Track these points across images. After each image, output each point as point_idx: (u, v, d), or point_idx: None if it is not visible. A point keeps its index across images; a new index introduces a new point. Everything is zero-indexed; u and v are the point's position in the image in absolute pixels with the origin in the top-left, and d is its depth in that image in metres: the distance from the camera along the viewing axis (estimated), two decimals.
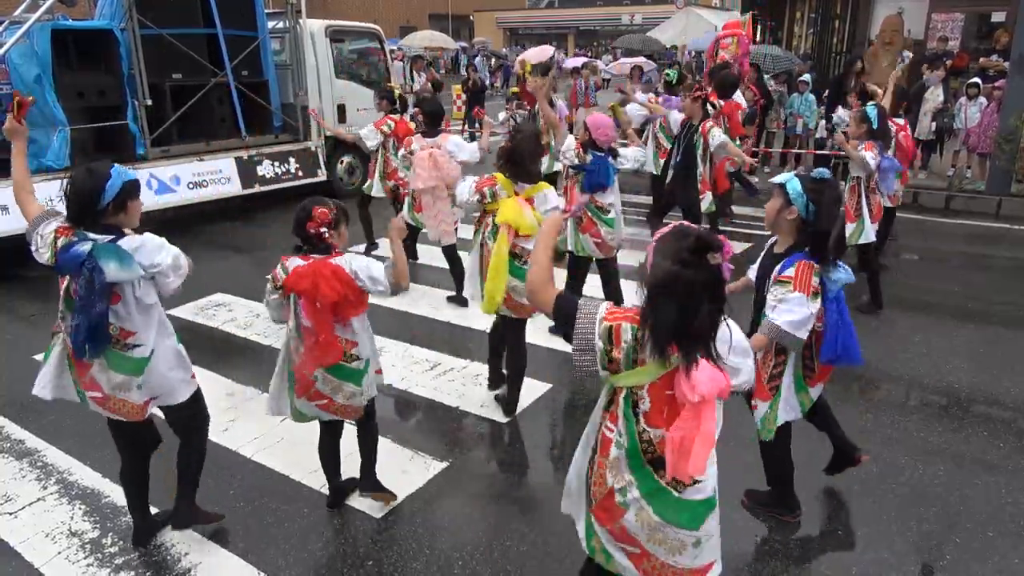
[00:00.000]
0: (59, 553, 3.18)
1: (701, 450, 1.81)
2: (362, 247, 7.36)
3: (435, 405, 4.43)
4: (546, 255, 2.10)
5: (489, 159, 5.33)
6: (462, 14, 48.34)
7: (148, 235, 2.74)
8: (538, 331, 4.91)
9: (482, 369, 4.82)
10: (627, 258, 5.85)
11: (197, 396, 3.07)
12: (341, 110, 10.03)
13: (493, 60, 31.19)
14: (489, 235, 3.95)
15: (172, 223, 8.42)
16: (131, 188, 2.73)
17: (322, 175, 9.66)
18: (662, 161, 7.05)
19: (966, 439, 4.00)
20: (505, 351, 4.34)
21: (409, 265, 7.00)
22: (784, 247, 2.94)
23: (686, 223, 1.96)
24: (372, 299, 3.05)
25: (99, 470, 3.74)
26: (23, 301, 6.44)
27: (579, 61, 16.74)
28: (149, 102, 7.91)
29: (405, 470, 3.73)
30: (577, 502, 2.18)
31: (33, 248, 2.75)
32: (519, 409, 4.34)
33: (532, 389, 4.51)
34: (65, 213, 2.71)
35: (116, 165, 2.72)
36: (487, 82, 22.70)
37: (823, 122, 10.20)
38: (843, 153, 6.06)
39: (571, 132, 13.60)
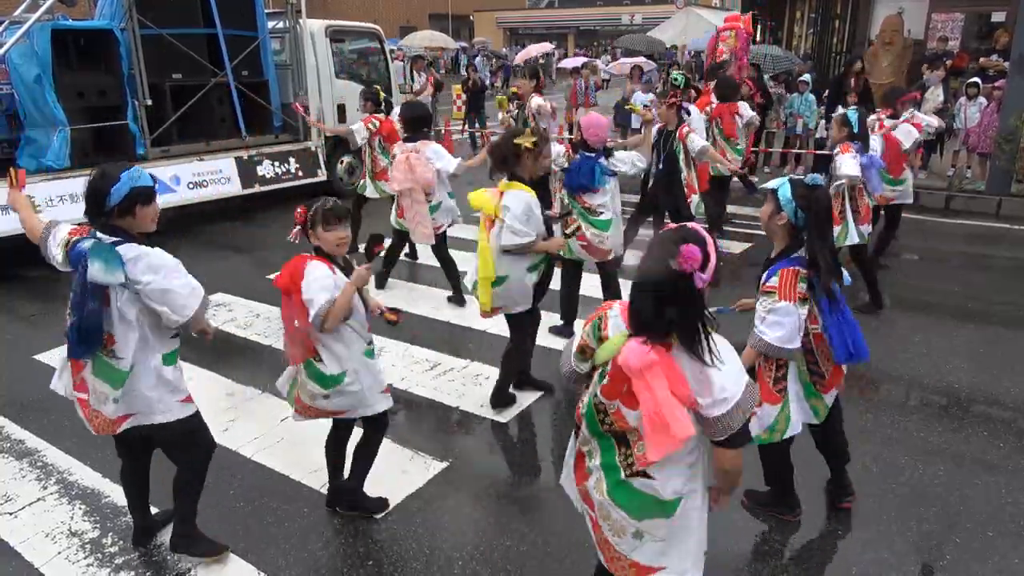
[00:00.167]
0: (59, 553, 3.18)
1: (670, 412, 1.87)
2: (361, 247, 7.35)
3: (435, 405, 4.43)
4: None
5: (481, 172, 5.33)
6: (462, 14, 48.34)
7: (157, 252, 2.66)
8: (539, 331, 4.90)
9: (482, 369, 4.83)
10: (629, 258, 5.86)
11: (189, 425, 2.91)
12: (341, 110, 10.03)
13: (495, 61, 31.20)
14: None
15: (172, 223, 8.41)
16: (139, 194, 2.64)
17: (322, 175, 9.66)
18: None
19: (966, 439, 4.00)
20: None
21: (409, 265, 7.06)
22: (776, 251, 2.94)
23: (690, 225, 1.98)
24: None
25: (99, 470, 3.74)
26: (23, 301, 6.44)
27: (579, 61, 16.75)
28: (149, 102, 7.92)
29: (405, 470, 3.73)
30: (568, 475, 2.31)
31: (50, 258, 2.76)
32: (519, 409, 4.35)
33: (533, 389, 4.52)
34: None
35: (134, 168, 2.66)
36: (487, 82, 22.70)
37: (823, 122, 10.21)
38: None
39: (571, 132, 13.61)
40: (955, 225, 8.58)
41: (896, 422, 4.17)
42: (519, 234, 3.74)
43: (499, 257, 3.85)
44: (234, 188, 8.80)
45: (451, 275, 6.00)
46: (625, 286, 5.19)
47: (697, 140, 5.83)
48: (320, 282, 2.84)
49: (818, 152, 10.18)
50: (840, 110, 6.90)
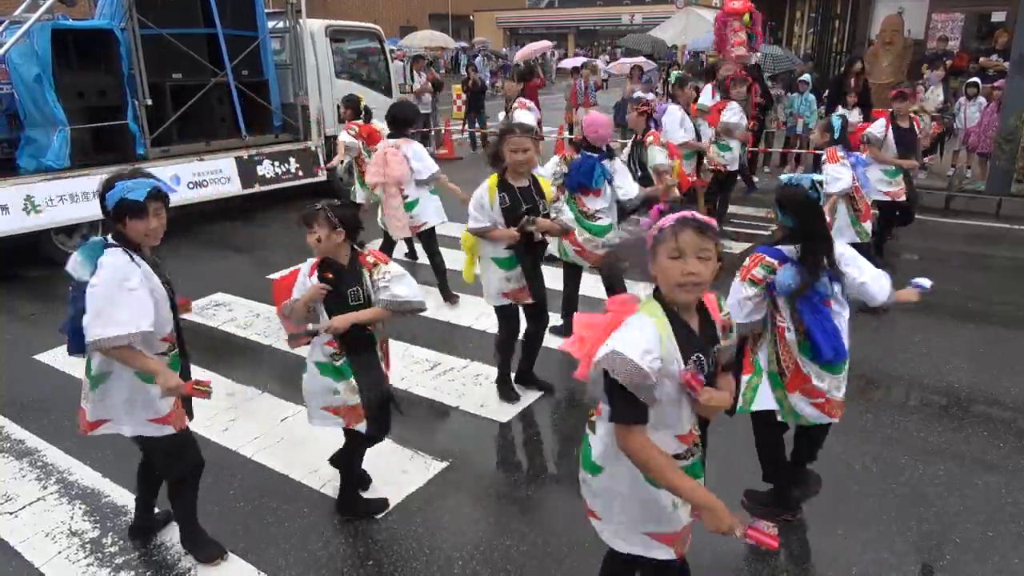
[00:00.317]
0: (59, 553, 3.18)
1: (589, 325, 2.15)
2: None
3: (435, 405, 4.43)
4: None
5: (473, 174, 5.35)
6: (462, 14, 48.33)
7: (122, 266, 2.56)
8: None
9: (482, 369, 4.83)
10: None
11: (165, 445, 2.84)
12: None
13: (495, 60, 31.17)
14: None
15: (172, 223, 8.39)
16: (128, 208, 2.58)
17: (322, 175, 9.66)
18: None
19: (966, 439, 4.00)
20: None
21: (408, 265, 7.06)
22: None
23: (690, 212, 2.01)
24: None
25: (99, 470, 3.74)
26: (23, 301, 6.44)
27: (579, 61, 16.76)
28: (149, 102, 7.91)
29: (405, 470, 3.73)
30: None
31: None
32: (519, 409, 4.35)
33: (533, 389, 4.52)
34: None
35: (138, 180, 2.62)
36: (487, 82, 22.68)
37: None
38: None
39: (571, 132, 13.59)
40: (955, 225, 8.58)
41: (896, 422, 4.17)
42: (476, 220, 4.07)
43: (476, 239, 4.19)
44: (234, 188, 8.80)
45: (438, 274, 6.08)
46: (631, 286, 5.20)
47: (657, 154, 5.65)
48: (303, 288, 3.02)
49: (818, 152, 10.16)
50: (841, 109, 6.95)
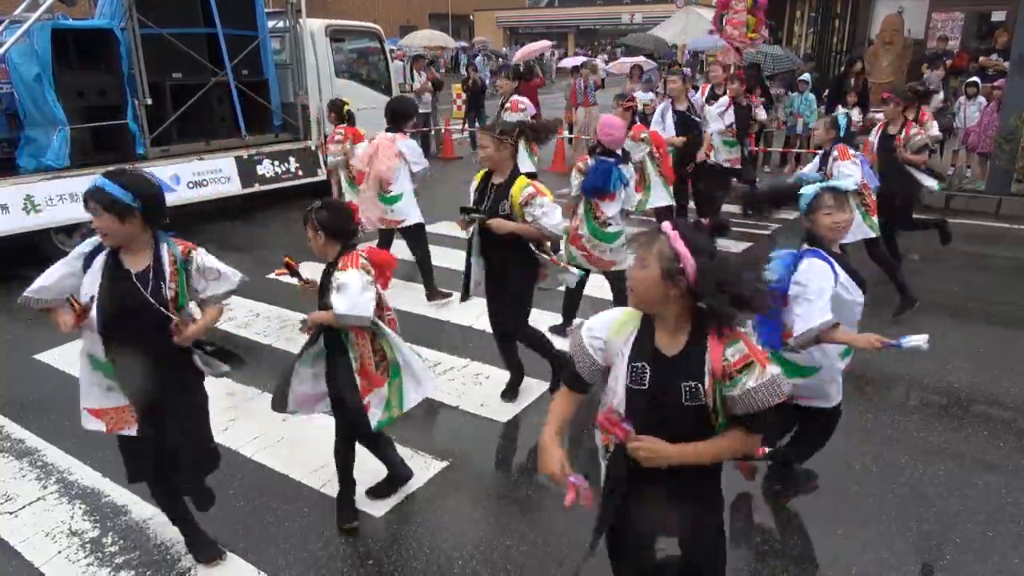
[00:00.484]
0: (59, 552, 3.18)
1: None
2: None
3: (435, 405, 4.43)
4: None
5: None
6: (462, 14, 48.30)
7: (75, 257, 2.86)
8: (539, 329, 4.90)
9: (482, 369, 4.83)
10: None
11: (121, 441, 2.87)
12: None
13: (495, 60, 31.16)
14: None
15: (172, 223, 8.40)
16: (111, 202, 2.67)
17: (322, 175, 9.64)
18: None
19: (966, 439, 4.00)
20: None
21: (408, 265, 7.05)
22: None
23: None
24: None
25: (99, 470, 3.74)
26: None
27: (578, 60, 16.75)
28: (149, 101, 7.91)
29: None
30: None
31: None
32: (519, 409, 4.34)
33: (532, 389, 4.52)
34: None
35: (127, 177, 2.72)
36: (487, 82, 22.67)
37: None
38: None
39: (570, 132, 13.58)
40: (955, 225, 8.46)
41: (896, 422, 4.17)
42: None
43: None
44: (234, 187, 8.79)
45: (424, 272, 6.09)
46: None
47: (634, 150, 5.88)
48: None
49: (818, 151, 10.16)
50: (841, 109, 6.95)
